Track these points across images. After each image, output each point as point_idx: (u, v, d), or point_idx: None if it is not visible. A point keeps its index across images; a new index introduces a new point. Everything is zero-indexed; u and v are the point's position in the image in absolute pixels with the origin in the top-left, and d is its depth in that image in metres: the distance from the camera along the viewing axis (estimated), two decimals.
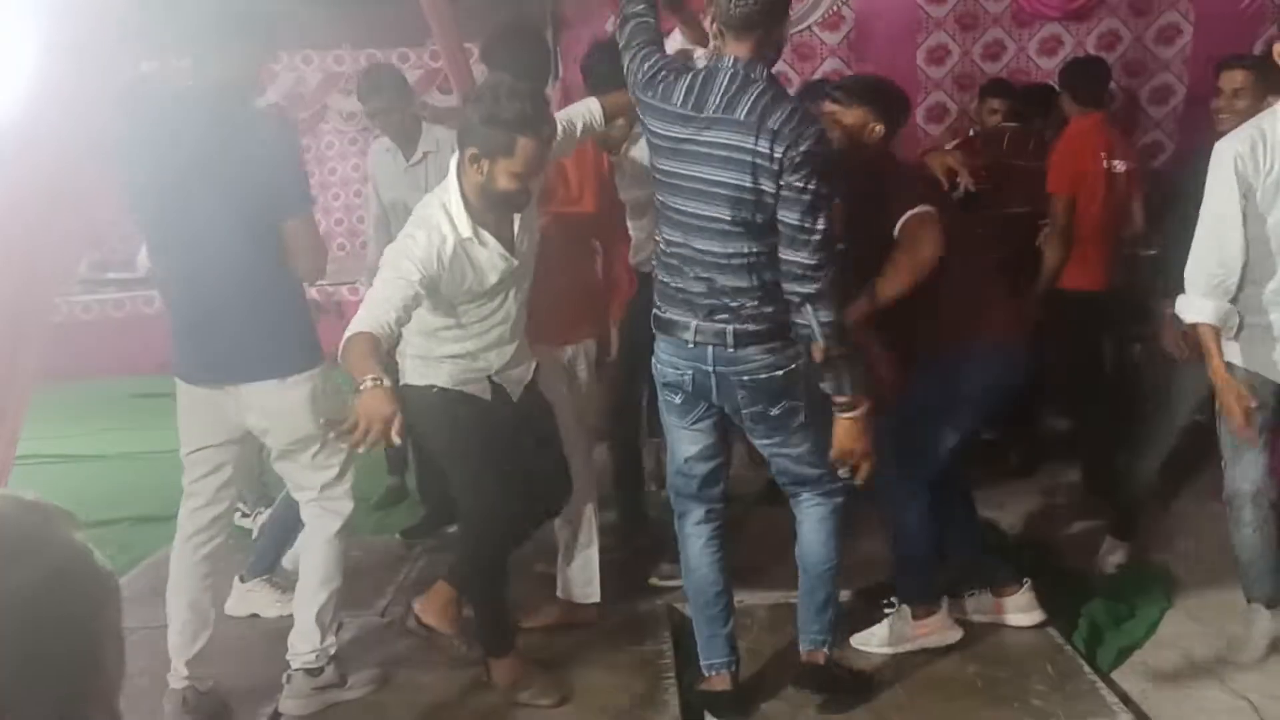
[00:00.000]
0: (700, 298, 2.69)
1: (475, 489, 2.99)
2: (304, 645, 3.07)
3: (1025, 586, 3.38)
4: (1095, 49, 5.55)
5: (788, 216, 2.54)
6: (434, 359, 2.95)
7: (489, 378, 3.01)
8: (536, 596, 3.56)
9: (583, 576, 3.48)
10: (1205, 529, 3.96)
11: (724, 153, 2.56)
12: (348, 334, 2.53)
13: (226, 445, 2.99)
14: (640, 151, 3.84)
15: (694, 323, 2.71)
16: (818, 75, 5.55)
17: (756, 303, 2.66)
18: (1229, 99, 3.50)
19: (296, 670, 3.08)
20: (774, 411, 2.77)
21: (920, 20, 5.71)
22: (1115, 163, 4.30)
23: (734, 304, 2.66)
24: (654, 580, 3.78)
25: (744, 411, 2.79)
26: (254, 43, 2.86)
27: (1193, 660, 3.21)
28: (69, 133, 2.18)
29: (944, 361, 3.07)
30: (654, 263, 2.88)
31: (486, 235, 2.81)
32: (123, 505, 4.99)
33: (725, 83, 2.58)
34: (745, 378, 2.72)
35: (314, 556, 3.08)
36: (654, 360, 2.88)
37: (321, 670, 3.08)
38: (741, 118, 2.54)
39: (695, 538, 2.98)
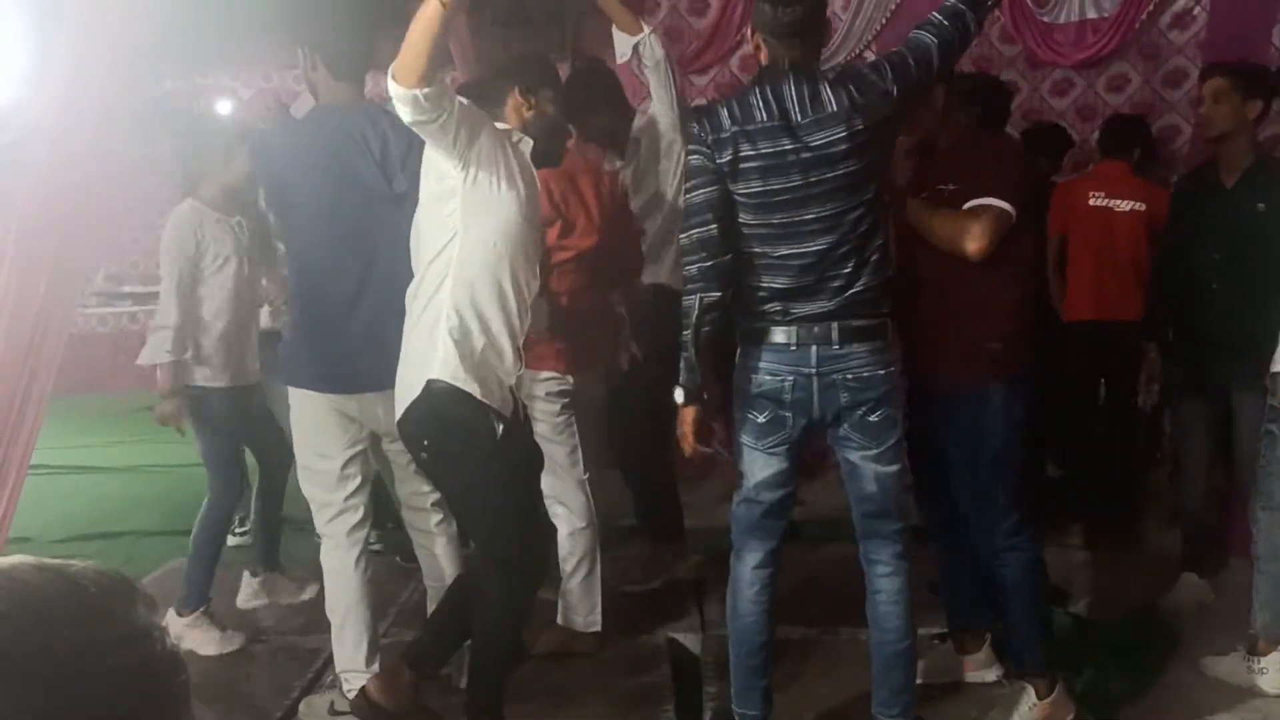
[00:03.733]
0: (805, 300, 2.67)
1: (507, 530, 2.81)
2: None
3: (987, 642, 3.31)
4: (1105, 90, 5.67)
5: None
6: (474, 354, 2.68)
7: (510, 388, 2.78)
8: (538, 624, 3.56)
9: (585, 605, 3.49)
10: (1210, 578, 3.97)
11: (836, 148, 2.59)
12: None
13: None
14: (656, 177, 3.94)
15: (795, 328, 2.69)
16: None
17: (862, 290, 2.66)
18: (1211, 105, 3.64)
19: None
20: (873, 418, 2.73)
21: None
22: (1117, 202, 4.41)
23: (839, 300, 2.66)
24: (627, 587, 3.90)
25: (846, 417, 2.72)
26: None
27: (1195, 710, 3.20)
28: (96, 147, 2.22)
29: (961, 394, 2.98)
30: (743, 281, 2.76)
31: (525, 144, 2.83)
32: (130, 518, 5.01)
33: (795, 88, 2.62)
34: (849, 376, 2.69)
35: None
36: (741, 375, 2.78)
37: None
38: (834, 110, 2.60)
39: (749, 584, 2.85)
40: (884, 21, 5.63)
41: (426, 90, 2.40)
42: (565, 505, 3.44)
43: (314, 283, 3.01)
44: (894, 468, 2.78)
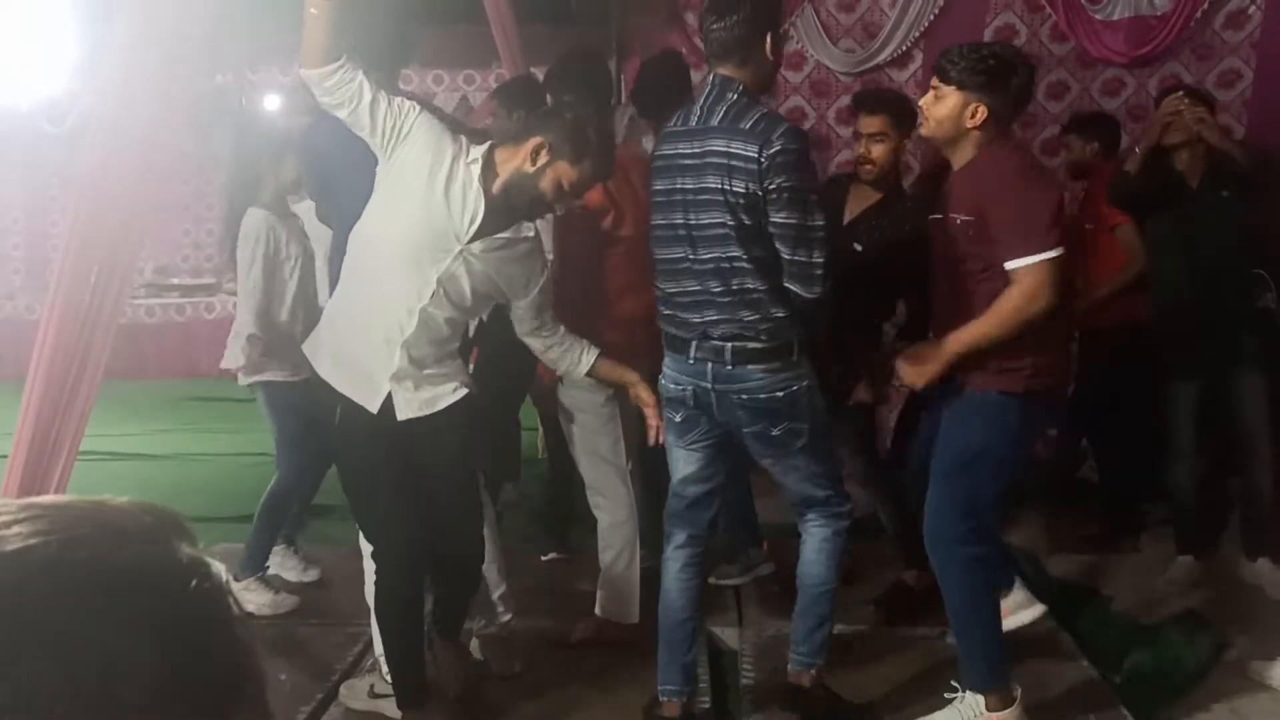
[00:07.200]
0: (698, 313, 2.75)
1: (364, 514, 2.87)
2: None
3: (1017, 584, 3.23)
4: (1157, 91, 5.56)
5: (788, 217, 2.63)
6: (335, 334, 2.76)
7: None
8: (575, 613, 3.58)
9: (623, 596, 3.50)
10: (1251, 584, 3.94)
11: (712, 159, 2.66)
12: None
13: None
14: None
15: (694, 340, 2.77)
16: None
17: (756, 317, 2.69)
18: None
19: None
20: (774, 432, 2.79)
21: None
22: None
23: (731, 318, 2.70)
24: (713, 579, 3.81)
25: (745, 431, 2.82)
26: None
27: (1242, 717, 3.15)
28: (149, 139, 2.25)
29: (1003, 399, 2.81)
30: (656, 286, 2.90)
31: (478, 188, 2.59)
32: (175, 505, 5.03)
33: (707, 96, 2.73)
34: (744, 397, 2.75)
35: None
36: (664, 375, 2.91)
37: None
38: (717, 124, 2.67)
39: (672, 562, 3.01)
40: (933, 17, 5.57)
41: (322, 70, 2.49)
42: (606, 496, 3.46)
43: None
44: (801, 470, 2.87)
